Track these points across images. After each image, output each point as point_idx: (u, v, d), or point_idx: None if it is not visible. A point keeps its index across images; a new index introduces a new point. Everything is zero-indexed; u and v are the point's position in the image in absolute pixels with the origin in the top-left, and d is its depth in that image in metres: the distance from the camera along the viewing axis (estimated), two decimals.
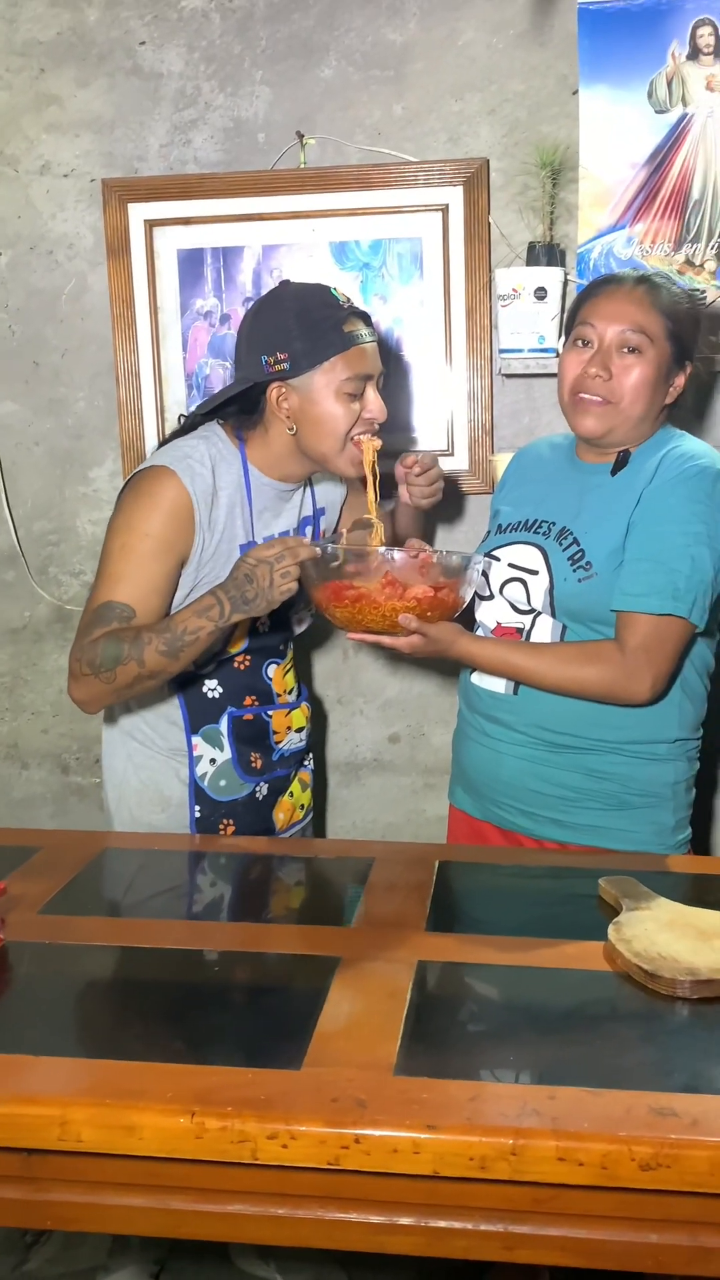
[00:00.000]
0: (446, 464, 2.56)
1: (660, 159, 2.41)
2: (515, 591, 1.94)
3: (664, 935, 1.45)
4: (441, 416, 2.56)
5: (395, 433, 2.54)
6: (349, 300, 1.90)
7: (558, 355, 2.39)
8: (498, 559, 1.98)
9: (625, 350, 1.83)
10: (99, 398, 2.64)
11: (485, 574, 1.98)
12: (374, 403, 1.89)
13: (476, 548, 2.06)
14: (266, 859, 1.89)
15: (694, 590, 1.79)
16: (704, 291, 1.96)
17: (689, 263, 2.40)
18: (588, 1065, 1.24)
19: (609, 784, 1.90)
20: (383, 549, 1.85)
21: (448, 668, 2.67)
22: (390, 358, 2.52)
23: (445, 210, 2.47)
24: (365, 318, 1.91)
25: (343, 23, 2.47)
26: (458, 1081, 1.20)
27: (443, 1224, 1.18)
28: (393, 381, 2.53)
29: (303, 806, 2.19)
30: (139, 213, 2.54)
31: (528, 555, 1.94)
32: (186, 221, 2.54)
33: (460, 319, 2.52)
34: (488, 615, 1.99)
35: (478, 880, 1.81)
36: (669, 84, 2.39)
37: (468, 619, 2.01)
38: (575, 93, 2.42)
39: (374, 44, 2.47)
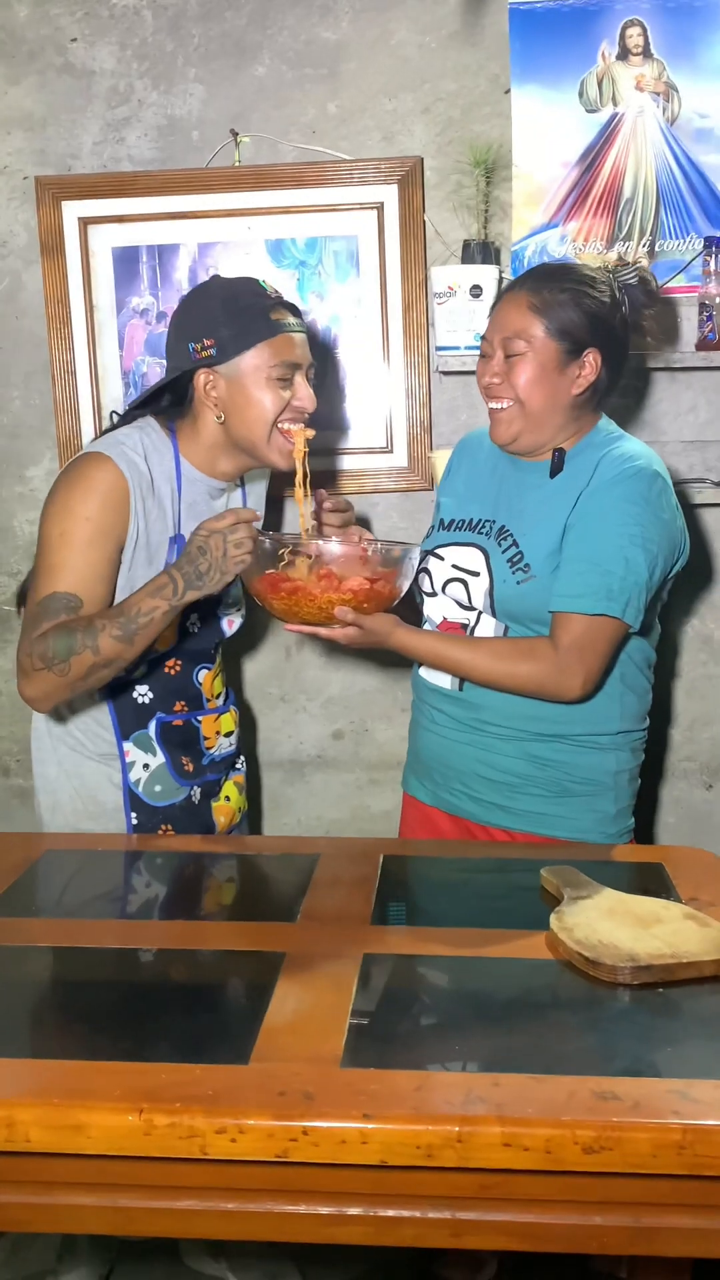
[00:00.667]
0: (385, 461, 2.58)
1: (592, 158, 2.44)
2: (457, 590, 1.96)
3: (605, 923, 1.48)
4: (380, 414, 2.57)
5: (331, 429, 2.55)
6: (277, 292, 1.92)
7: None
8: (441, 558, 2.00)
9: (509, 356, 1.87)
10: (35, 396, 2.63)
11: (428, 571, 2.00)
12: (303, 391, 1.89)
13: (421, 541, 2.08)
14: (210, 857, 1.89)
15: (628, 591, 1.81)
16: (629, 267, 1.94)
17: (622, 260, 2.42)
18: (531, 1052, 1.26)
19: (551, 771, 1.93)
20: (320, 540, 1.86)
21: (390, 663, 2.68)
22: (325, 354, 2.53)
23: (380, 208, 2.49)
24: (293, 309, 1.92)
25: (275, 21, 2.47)
26: (404, 1072, 1.21)
27: (391, 1213, 1.20)
28: (329, 379, 2.54)
29: (240, 809, 2.18)
30: (73, 210, 2.52)
31: (469, 557, 1.96)
32: (121, 219, 2.53)
33: (397, 317, 2.53)
34: (434, 611, 2.01)
35: (422, 874, 1.83)
36: (599, 84, 2.42)
37: (416, 614, 2.03)
38: (507, 92, 2.44)
39: (307, 43, 2.47)
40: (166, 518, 1.94)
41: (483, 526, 1.97)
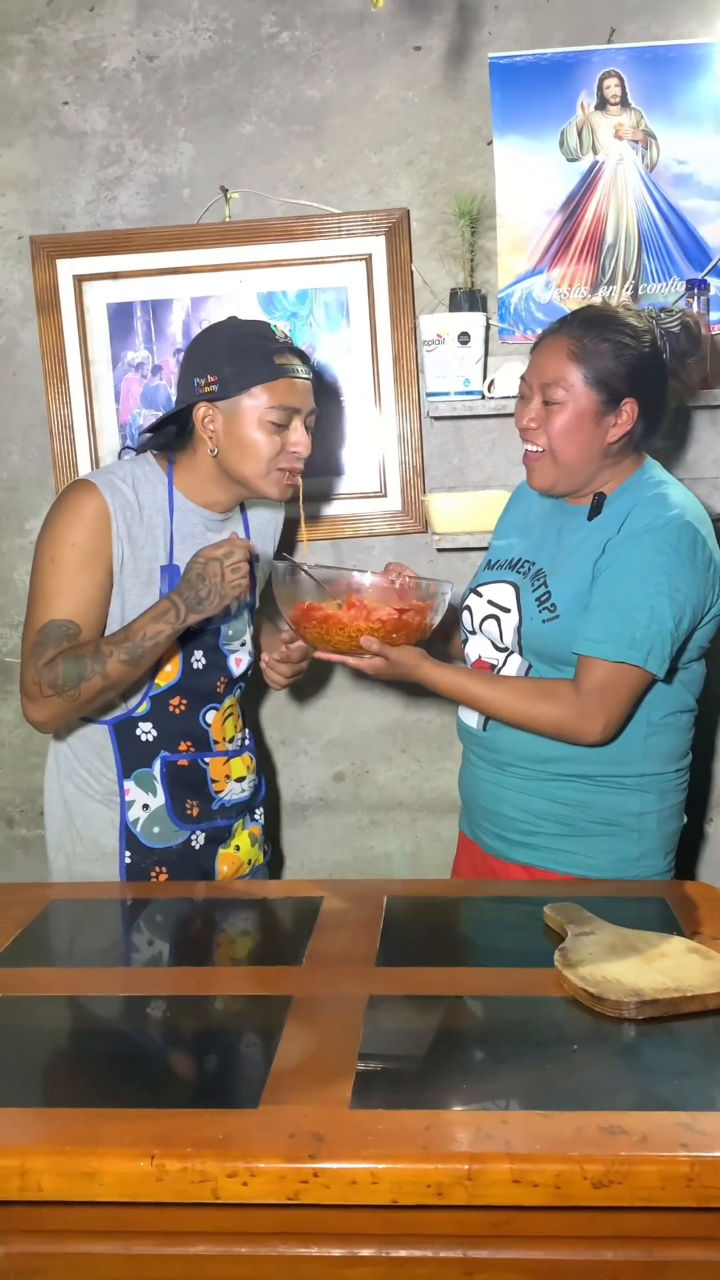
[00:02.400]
0: (380, 505, 2.62)
1: (574, 205, 2.49)
2: (491, 628, 1.99)
3: (608, 959, 1.49)
4: (373, 459, 2.61)
5: (324, 475, 2.59)
6: (288, 337, 1.96)
7: (483, 397, 2.45)
8: (480, 595, 2.03)
9: (547, 403, 1.88)
10: (33, 450, 2.66)
11: (469, 608, 2.03)
12: (298, 437, 1.93)
13: (467, 580, 2.11)
14: (215, 903, 1.90)
15: (650, 640, 1.81)
16: (673, 314, 1.93)
17: (667, 309, 2.46)
18: (538, 1088, 1.27)
19: (570, 810, 1.94)
20: (356, 571, 1.94)
21: (390, 704, 2.70)
22: (329, 401, 2.56)
23: (369, 260, 2.54)
24: (302, 356, 1.96)
25: (262, 80, 2.53)
26: (412, 1111, 1.22)
27: (403, 1253, 1.20)
28: (323, 424, 2.58)
29: (251, 862, 2.16)
30: (67, 268, 2.57)
31: (503, 593, 1.99)
32: (115, 276, 2.57)
33: (388, 364, 2.57)
34: (473, 649, 2.04)
35: (426, 914, 1.83)
36: (579, 133, 2.48)
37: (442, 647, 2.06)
38: (490, 143, 2.50)
39: (293, 100, 2.53)
40: (158, 546, 1.97)
41: (522, 566, 2.00)
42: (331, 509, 2.63)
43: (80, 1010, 1.51)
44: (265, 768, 2.75)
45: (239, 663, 2.10)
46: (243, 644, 2.10)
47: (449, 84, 2.51)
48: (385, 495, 2.62)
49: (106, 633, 1.94)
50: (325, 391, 2.59)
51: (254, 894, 1.95)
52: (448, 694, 1.95)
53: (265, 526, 2.19)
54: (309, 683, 2.71)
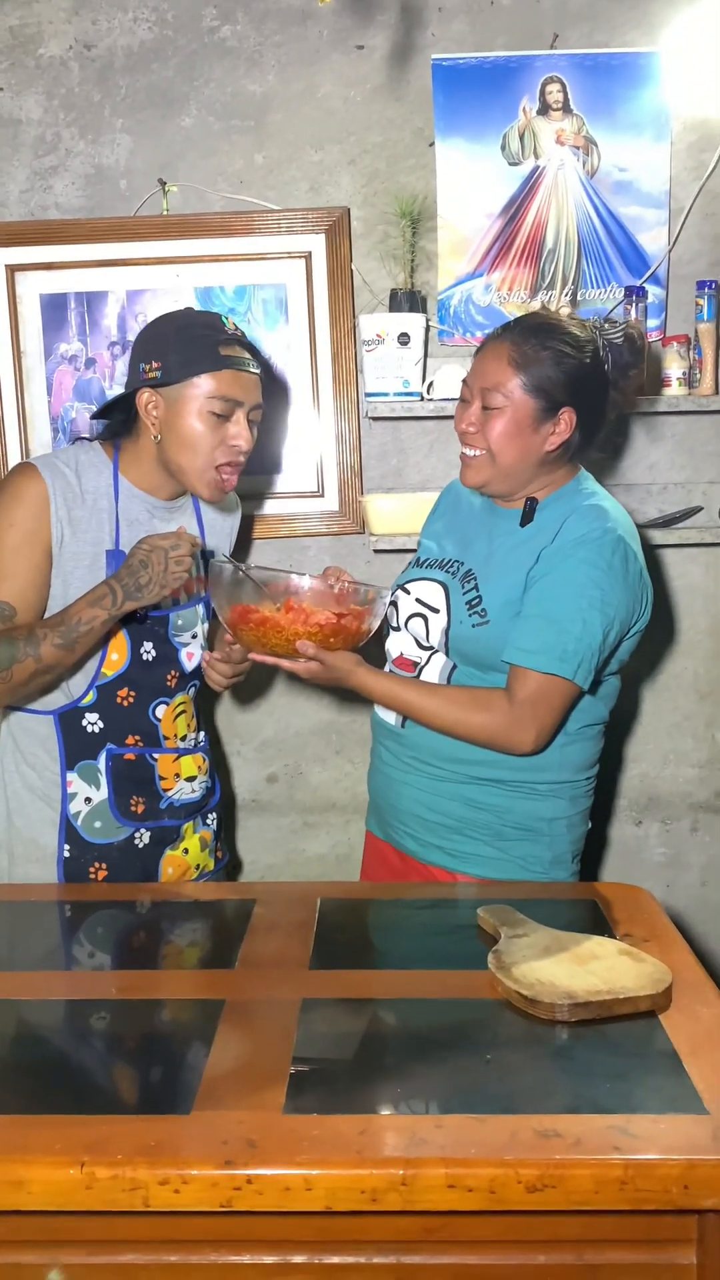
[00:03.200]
0: (317, 505, 2.61)
1: (515, 209, 2.50)
2: (418, 627, 1.98)
3: (541, 961, 1.49)
4: (311, 459, 2.60)
5: (262, 474, 2.57)
6: (239, 331, 1.95)
7: (422, 398, 2.45)
8: (408, 592, 2.02)
9: (486, 407, 1.88)
10: None
11: (395, 605, 2.02)
12: (237, 430, 1.92)
13: (396, 578, 2.10)
14: (149, 906, 1.88)
15: (581, 653, 1.82)
16: (617, 325, 1.92)
17: (610, 319, 2.47)
18: (473, 1092, 1.27)
19: (486, 814, 1.94)
20: (294, 575, 1.93)
21: (324, 705, 2.69)
22: (270, 398, 2.54)
23: (308, 257, 2.52)
24: (252, 350, 1.95)
25: (202, 74, 2.51)
26: (346, 1116, 1.21)
27: (336, 1260, 1.19)
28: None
29: (200, 867, 2.13)
30: (0, 258, 2.52)
31: (432, 592, 1.98)
32: (49, 266, 2.53)
33: (326, 363, 2.56)
34: (394, 645, 2.03)
35: (360, 916, 1.83)
36: (521, 137, 2.49)
37: (375, 648, 2.05)
38: (431, 145, 2.50)
39: (234, 95, 2.51)
40: (103, 530, 1.96)
41: (451, 566, 1.99)
42: (269, 508, 2.61)
43: (11, 1014, 1.48)
44: (219, 771, 2.72)
45: (190, 656, 2.07)
46: (194, 636, 2.07)
47: (391, 84, 2.51)
48: (323, 495, 2.61)
49: (47, 615, 1.92)
50: (272, 390, 2.57)
51: (187, 896, 1.93)
52: (381, 700, 1.95)
53: (220, 521, 2.17)
54: (244, 683, 2.68)
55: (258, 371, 1.95)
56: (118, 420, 2.01)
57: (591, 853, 2.54)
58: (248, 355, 1.94)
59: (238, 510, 2.23)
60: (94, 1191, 1.13)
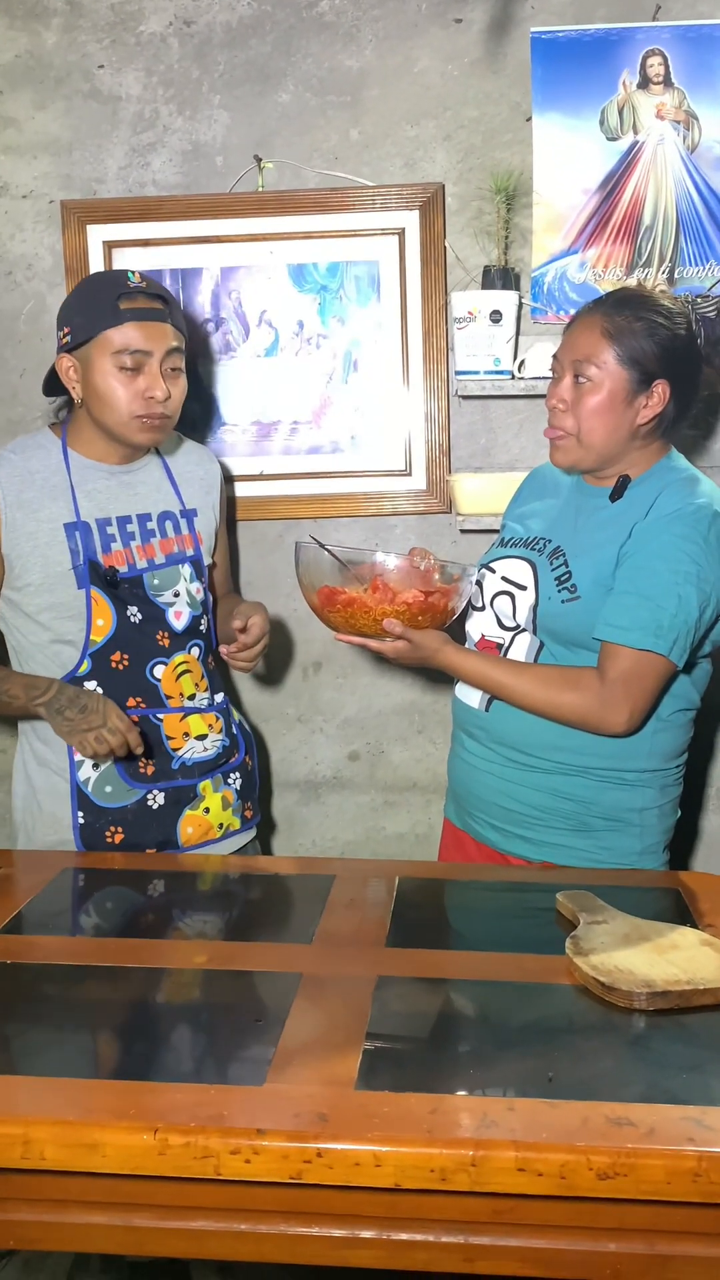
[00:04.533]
0: (404, 484, 2.60)
1: (612, 185, 2.46)
2: (503, 605, 1.97)
3: (620, 948, 1.48)
4: (399, 437, 2.59)
5: (338, 452, 2.57)
6: (145, 281, 1.99)
7: (513, 377, 2.42)
8: (493, 571, 2.00)
9: (578, 380, 1.86)
10: (54, 418, 2.64)
11: (480, 584, 2.01)
12: (147, 381, 1.96)
13: (479, 558, 2.09)
14: (227, 878, 1.90)
15: (676, 629, 1.79)
16: (709, 300, 1.91)
17: (706, 295, 2.43)
18: (546, 1077, 1.26)
19: (571, 805, 1.92)
20: (379, 555, 1.93)
21: (408, 685, 2.69)
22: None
23: (402, 234, 2.51)
24: (158, 298, 1.98)
25: (300, 49, 2.50)
26: (418, 1095, 1.21)
27: (404, 1236, 1.20)
28: (343, 401, 2.56)
29: (222, 825, 2.14)
30: (98, 234, 2.55)
31: (519, 570, 1.96)
32: (145, 243, 2.55)
33: (417, 341, 2.55)
34: (475, 627, 2.02)
35: (438, 897, 1.83)
36: (620, 112, 2.44)
37: (459, 630, 2.04)
38: (529, 119, 2.46)
39: (330, 70, 2.50)
40: (57, 504, 2.01)
41: (538, 544, 1.97)
42: (355, 486, 2.61)
43: (89, 980, 1.50)
44: (266, 748, 2.74)
45: (179, 615, 2.09)
46: (177, 594, 2.09)
47: (489, 58, 2.47)
48: (410, 474, 2.59)
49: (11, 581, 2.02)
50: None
51: (266, 870, 1.94)
52: (468, 679, 1.94)
53: (194, 478, 2.20)
54: (326, 661, 2.69)
55: (167, 320, 1.98)
56: (65, 397, 2.09)
57: (680, 843, 2.50)
58: (156, 305, 1.97)
59: (213, 463, 2.27)
60: (166, 1158, 1.15)
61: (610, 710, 1.82)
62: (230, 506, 2.52)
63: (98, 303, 1.96)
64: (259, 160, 2.52)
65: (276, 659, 2.70)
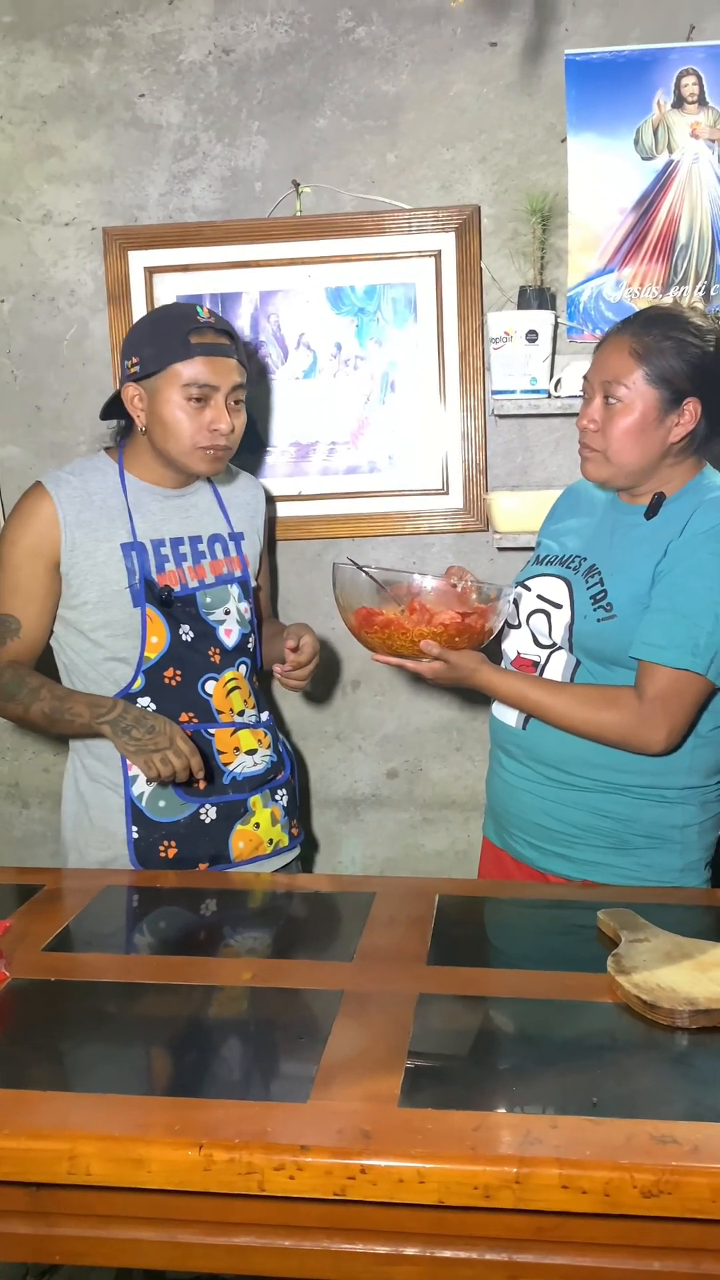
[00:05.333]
0: (441, 502, 2.61)
1: (647, 204, 2.47)
2: (539, 623, 1.97)
3: (662, 966, 1.48)
4: (436, 456, 2.60)
5: (372, 472, 2.58)
6: (215, 317, 2.04)
7: (549, 396, 2.43)
8: (529, 589, 2.01)
9: (609, 401, 1.87)
10: (99, 441, 2.68)
11: (516, 602, 2.02)
12: (213, 415, 2.01)
13: (514, 576, 2.10)
14: (267, 894, 1.91)
15: (714, 647, 1.79)
16: None
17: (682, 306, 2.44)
18: (589, 1094, 1.25)
19: (611, 822, 1.92)
20: (416, 576, 1.95)
21: (445, 703, 2.70)
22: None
23: (438, 256, 2.53)
24: (226, 334, 2.03)
25: (336, 74, 2.53)
26: (461, 1112, 1.21)
27: (448, 1254, 1.20)
28: (380, 421, 2.58)
29: (272, 841, 2.16)
30: (139, 260, 2.59)
31: (555, 588, 1.97)
32: (185, 268, 2.58)
33: (454, 361, 2.56)
34: (511, 645, 2.03)
35: (478, 914, 1.83)
36: (655, 131, 2.45)
37: (496, 648, 2.05)
38: (563, 141, 2.48)
39: (367, 95, 2.53)
40: (115, 525, 2.06)
41: (573, 561, 1.98)
42: (392, 505, 2.63)
43: (132, 997, 1.52)
44: (305, 765, 2.76)
45: (229, 633, 2.13)
46: (227, 612, 2.13)
47: (524, 80, 2.49)
48: (447, 492, 2.61)
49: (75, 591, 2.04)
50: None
51: (306, 887, 1.95)
52: (506, 699, 1.94)
53: (241, 503, 2.24)
54: (365, 679, 2.71)
55: (233, 355, 2.03)
56: (121, 421, 2.14)
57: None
58: (224, 340, 2.01)
59: (258, 489, 2.31)
60: (211, 1173, 1.16)
61: (649, 729, 1.82)
62: (270, 528, 2.54)
63: (168, 336, 2.00)
64: (297, 185, 2.55)
65: (317, 677, 2.71)
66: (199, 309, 2.04)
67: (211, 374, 1.99)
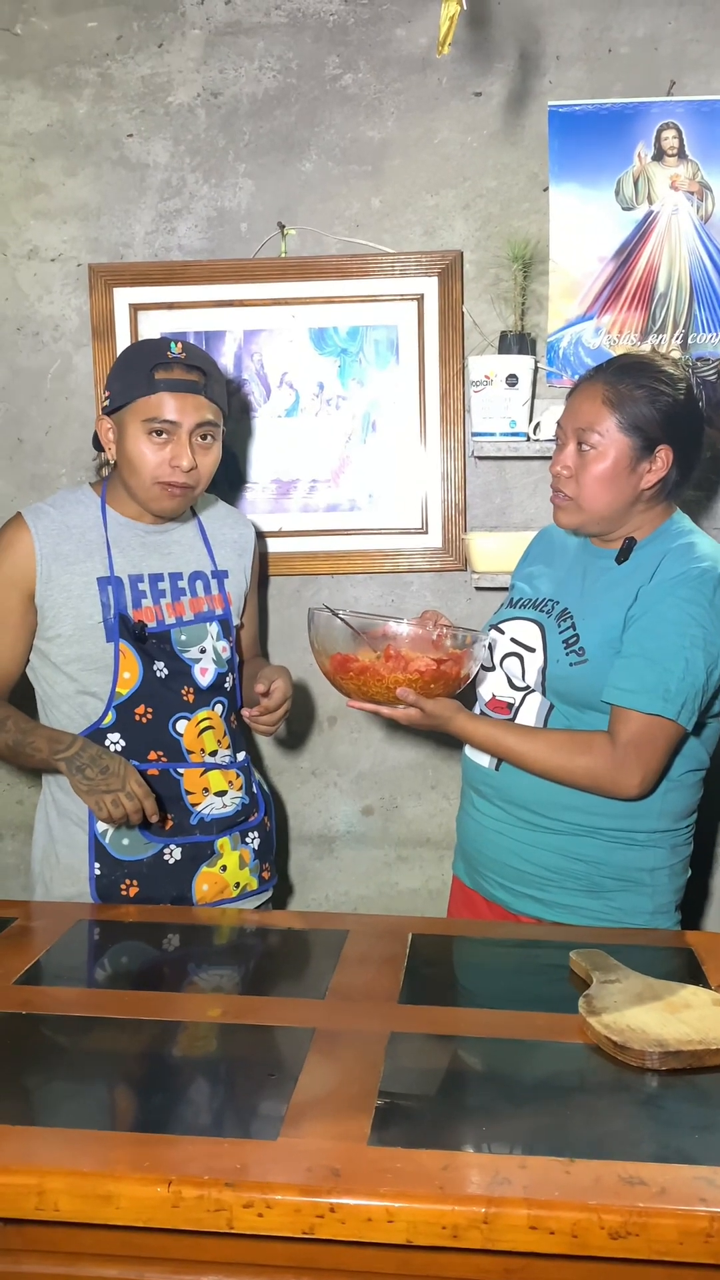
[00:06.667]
0: (420, 541, 2.63)
1: (627, 253, 2.51)
2: (513, 666, 1.99)
3: (633, 1008, 1.48)
4: (416, 496, 2.63)
5: (354, 510, 2.60)
6: (185, 353, 2.02)
7: (528, 439, 2.46)
8: (502, 631, 2.02)
9: (582, 448, 1.88)
10: (81, 473, 2.70)
11: (490, 647, 2.03)
12: (173, 451, 2.00)
13: (487, 620, 2.12)
14: (240, 931, 1.91)
15: (684, 693, 1.80)
16: (709, 363, 1.94)
17: (704, 357, 2.48)
18: (558, 1135, 1.26)
19: (583, 865, 1.92)
20: (392, 622, 1.94)
21: (422, 741, 2.71)
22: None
23: (420, 300, 2.56)
24: (196, 370, 2.01)
25: (323, 120, 2.57)
26: (430, 1151, 1.21)
27: None
28: (361, 460, 2.60)
29: (239, 885, 2.15)
30: (124, 297, 2.61)
31: (528, 632, 1.98)
32: (170, 306, 2.61)
33: (435, 403, 2.59)
34: (486, 688, 2.04)
35: (451, 953, 1.83)
36: (635, 183, 2.50)
37: (470, 690, 2.06)
38: (545, 190, 2.52)
39: (353, 140, 2.57)
40: (93, 559, 2.06)
41: (546, 605, 1.99)
42: (372, 543, 2.65)
43: (104, 1032, 1.51)
44: (281, 801, 2.76)
45: (204, 672, 2.11)
46: (203, 651, 2.12)
47: (508, 130, 2.54)
48: (426, 532, 2.63)
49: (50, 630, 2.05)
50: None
51: (279, 925, 1.95)
52: (481, 746, 1.95)
53: (228, 541, 2.23)
54: (341, 716, 2.71)
55: (202, 393, 2.01)
56: (104, 454, 2.14)
57: (691, 902, 2.50)
58: (192, 377, 2.00)
59: (248, 528, 2.29)
60: (180, 1210, 1.15)
61: (623, 774, 1.83)
62: (262, 563, 2.55)
63: (136, 371, 2.00)
64: (282, 227, 2.58)
65: (294, 715, 2.72)
66: (173, 345, 2.03)
67: (173, 410, 1.98)
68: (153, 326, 2.61)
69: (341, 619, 1.90)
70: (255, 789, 2.20)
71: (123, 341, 2.61)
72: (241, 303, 2.60)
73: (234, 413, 2.63)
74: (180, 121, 2.60)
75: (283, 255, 2.59)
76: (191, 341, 2.60)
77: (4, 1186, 1.18)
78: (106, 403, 2.04)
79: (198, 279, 2.60)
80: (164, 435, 1.99)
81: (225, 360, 2.62)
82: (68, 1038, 1.51)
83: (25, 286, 2.66)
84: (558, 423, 1.95)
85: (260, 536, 2.52)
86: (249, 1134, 1.25)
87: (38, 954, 1.74)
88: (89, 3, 2.58)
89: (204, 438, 2.03)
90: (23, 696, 2.12)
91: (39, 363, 2.68)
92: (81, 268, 2.64)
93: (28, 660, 2.10)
